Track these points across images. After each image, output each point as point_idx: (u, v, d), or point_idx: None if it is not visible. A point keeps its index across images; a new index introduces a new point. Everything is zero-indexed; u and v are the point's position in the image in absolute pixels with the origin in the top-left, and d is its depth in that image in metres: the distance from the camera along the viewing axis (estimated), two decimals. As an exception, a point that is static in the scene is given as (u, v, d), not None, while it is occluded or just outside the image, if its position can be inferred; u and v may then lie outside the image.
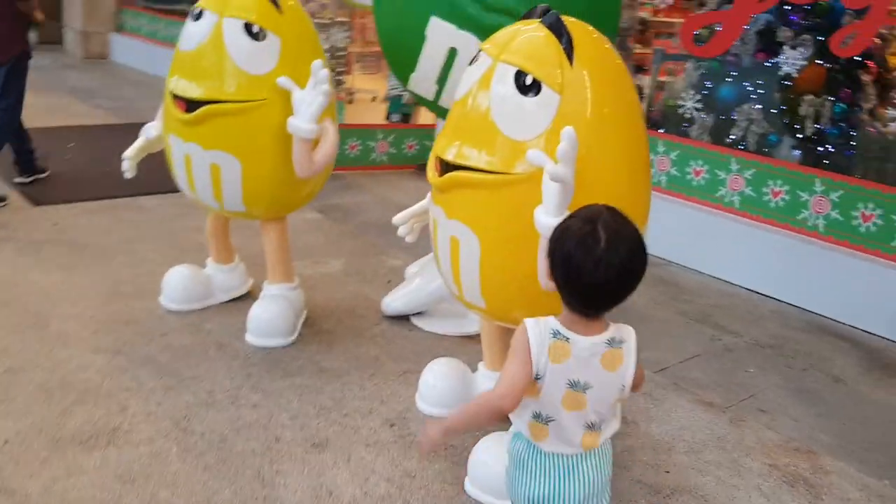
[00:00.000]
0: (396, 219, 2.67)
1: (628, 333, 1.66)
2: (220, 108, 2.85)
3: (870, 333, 3.85)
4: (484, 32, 2.92)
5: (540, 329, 1.62)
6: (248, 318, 3.17)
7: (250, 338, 3.16)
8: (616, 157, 2.14)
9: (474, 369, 2.84)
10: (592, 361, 1.62)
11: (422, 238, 2.76)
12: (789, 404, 3.13)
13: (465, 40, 2.99)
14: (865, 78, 4.91)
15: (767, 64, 4.78)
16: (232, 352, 3.08)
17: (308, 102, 2.81)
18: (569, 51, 2.11)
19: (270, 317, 3.15)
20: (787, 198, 4.23)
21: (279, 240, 3.25)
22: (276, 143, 2.93)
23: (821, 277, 4.04)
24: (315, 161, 2.91)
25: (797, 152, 4.82)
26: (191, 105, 2.88)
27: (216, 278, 3.49)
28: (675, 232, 4.49)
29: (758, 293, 4.25)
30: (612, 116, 2.15)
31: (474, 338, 3.38)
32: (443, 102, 3.19)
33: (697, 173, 4.65)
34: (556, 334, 1.61)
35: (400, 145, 6.39)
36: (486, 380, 2.75)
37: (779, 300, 4.19)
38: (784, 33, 4.81)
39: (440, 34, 3.02)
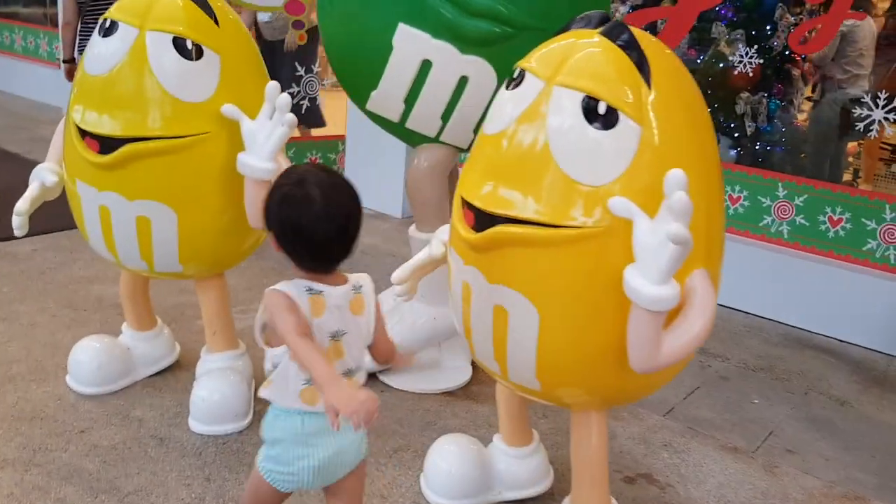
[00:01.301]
0: (396, 276, 2.16)
1: (364, 278, 1.73)
2: (147, 148, 2.22)
3: (847, 343, 3.69)
4: (464, 42, 2.49)
5: (295, 288, 1.61)
6: (193, 402, 2.56)
7: (197, 425, 2.55)
8: (696, 195, 1.73)
9: (486, 443, 2.38)
10: (344, 309, 1.66)
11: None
12: (810, 439, 2.87)
13: (441, 51, 2.50)
14: (795, 72, 4.84)
15: (698, 61, 4.59)
16: (177, 447, 2.46)
17: (265, 135, 2.24)
18: (645, 69, 1.68)
19: (221, 397, 2.55)
20: (746, 204, 4.01)
21: (220, 299, 2.65)
22: (221, 187, 2.34)
23: (789, 287, 3.85)
24: (272, 206, 2.34)
25: (733, 152, 4.66)
26: (106, 143, 2.24)
27: (137, 349, 2.82)
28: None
29: (726, 307, 4.01)
30: (692, 148, 1.74)
31: (455, 395, 2.93)
32: (412, 125, 2.69)
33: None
34: (310, 290, 1.61)
35: (301, 159, 5.74)
36: (504, 456, 2.30)
37: (748, 313, 3.97)
38: (717, 28, 4.65)
39: (410, 44, 2.52)
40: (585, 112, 1.65)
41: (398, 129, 2.75)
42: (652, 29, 4.22)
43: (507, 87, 1.82)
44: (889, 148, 4.78)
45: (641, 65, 1.68)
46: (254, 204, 2.30)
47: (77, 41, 4.59)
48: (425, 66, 2.53)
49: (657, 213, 1.57)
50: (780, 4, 4.30)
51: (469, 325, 1.92)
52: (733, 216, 4.04)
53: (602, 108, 1.64)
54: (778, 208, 3.93)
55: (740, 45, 4.42)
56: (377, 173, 5.17)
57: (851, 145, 4.77)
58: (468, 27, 2.45)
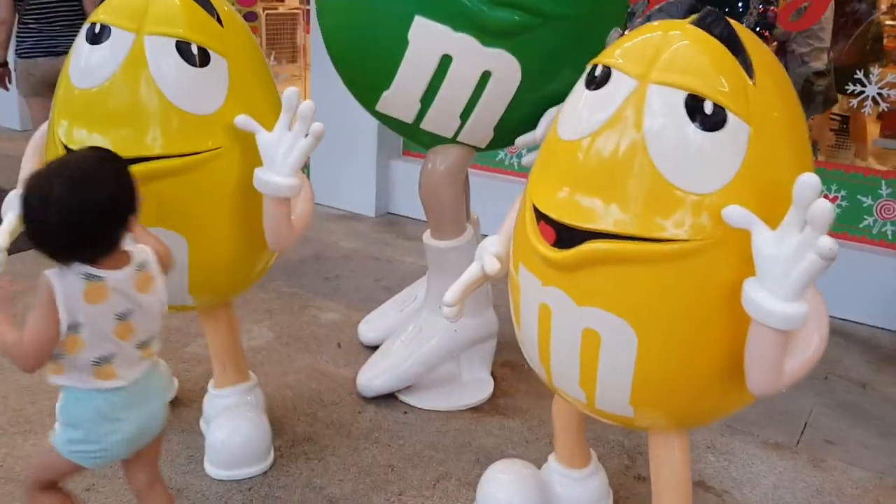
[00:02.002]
0: (448, 299, 1.95)
1: (145, 251, 1.71)
2: (151, 169, 1.94)
3: (851, 321, 3.66)
4: (487, 34, 2.30)
5: (66, 278, 1.58)
6: (210, 446, 2.31)
7: (217, 471, 2.30)
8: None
9: (530, 460, 2.22)
10: (130, 290, 1.65)
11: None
12: (845, 427, 2.81)
13: (462, 45, 2.29)
14: (764, 49, 4.80)
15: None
16: (199, 499, 2.22)
17: (286, 148, 2.00)
18: (747, 62, 1.52)
19: (242, 438, 2.30)
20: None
21: (230, 330, 2.39)
22: (235, 208, 2.10)
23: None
24: (295, 227, 2.11)
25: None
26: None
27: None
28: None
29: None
30: (794, 146, 1.60)
31: (483, 410, 2.76)
32: (427, 125, 2.48)
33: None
34: (88, 276, 1.59)
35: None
36: (564, 479, 2.14)
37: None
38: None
39: (429, 38, 2.30)
40: (689, 112, 1.48)
41: (411, 130, 2.54)
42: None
43: (587, 87, 1.64)
44: (839, 119, 4.82)
45: (744, 57, 1.52)
46: (274, 225, 2.07)
47: (13, 42, 4.16)
48: (445, 61, 2.32)
49: (769, 219, 1.43)
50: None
51: (548, 350, 1.74)
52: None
53: (708, 108, 1.47)
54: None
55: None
56: (349, 173, 4.92)
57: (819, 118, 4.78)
58: (493, 17, 2.25)
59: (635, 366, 1.60)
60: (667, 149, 1.49)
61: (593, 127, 1.58)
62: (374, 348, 2.94)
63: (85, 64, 1.98)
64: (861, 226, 3.77)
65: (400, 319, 3.03)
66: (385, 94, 2.43)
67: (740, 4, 4.43)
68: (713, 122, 1.47)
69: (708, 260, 1.50)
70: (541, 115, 2.47)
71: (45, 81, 3.92)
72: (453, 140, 2.53)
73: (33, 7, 4.01)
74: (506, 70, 2.34)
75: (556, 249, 1.59)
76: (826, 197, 3.64)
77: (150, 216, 2.01)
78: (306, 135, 1.99)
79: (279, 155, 2.01)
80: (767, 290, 1.41)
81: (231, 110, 2.03)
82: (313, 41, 5.01)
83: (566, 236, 1.57)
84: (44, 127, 2.28)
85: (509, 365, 3.00)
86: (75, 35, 2.09)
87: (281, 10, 8.13)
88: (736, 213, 1.44)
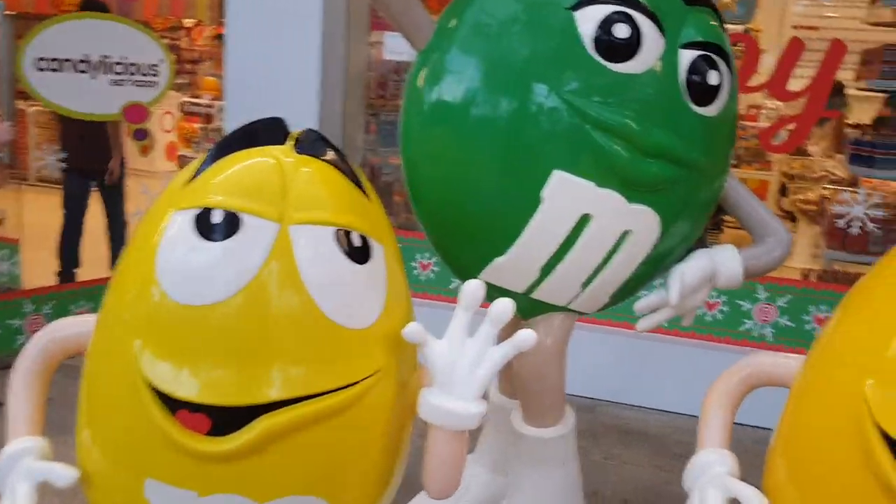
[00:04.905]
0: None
1: None
2: (303, 415, 1.32)
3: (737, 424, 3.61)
4: (634, 188, 1.92)
5: None
6: None
7: None
8: None
9: None
10: None
11: None
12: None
13: (606, 202, 1.89)
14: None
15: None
16: None
17: (469, 362, 1.47)
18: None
19: None
20: (725, 309, 3.82)
21: None
22: (386, 449, 1.52)
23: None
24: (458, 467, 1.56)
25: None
26: (223, 418, 1.31)
27: None
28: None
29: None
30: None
31: None
32: (541, 295, 2.03)
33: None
34: None
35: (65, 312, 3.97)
36: None
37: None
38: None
39: (568, 196, 1.87)
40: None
41: (515, 300, 2.06)
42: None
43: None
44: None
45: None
46: (444, 468, 1.51)
47: None
48: (582, 222, 1.90)
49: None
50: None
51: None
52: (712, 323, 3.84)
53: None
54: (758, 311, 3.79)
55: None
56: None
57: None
58: (643, 170, 1.88)
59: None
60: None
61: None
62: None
63: (198, 267, 1.33)
64: (741, 329, 3.82)
65: None
66: (498, 261, 1.95)
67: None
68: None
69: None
70: (651, 274, 2.14)
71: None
72: (564, 308, 2.10)
73: None
74: (647, 228, 1.97)
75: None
76: (707, 305, 3.75)
77: (284, 483, 1.41)
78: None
79: (461, 371, 1.47)
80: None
81: (391, 317, 1.47)
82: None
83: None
84: (46, 336, 1.57)
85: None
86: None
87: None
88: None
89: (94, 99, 3.74)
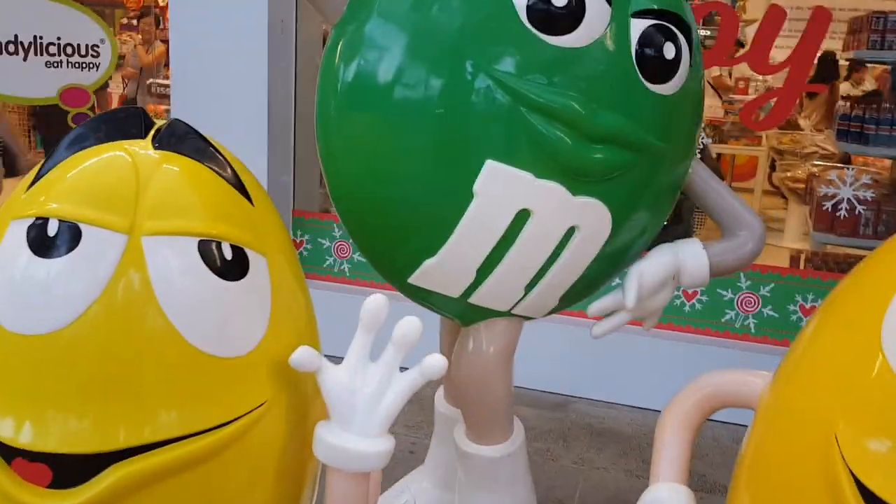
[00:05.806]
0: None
1: None
2: (171, 460, 1.11)
3: (714, 421, 3.41)
4: (579, 179, 1.69)
5: None
6: None
7: None
8: None
9: None
10: None
11: None
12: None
13: (546, 195, 1.66)
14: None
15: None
16: None
17: (372, 392, 1.25)
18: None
19: None
20: (705, 299, 3.60)
21: None
22: (278, 491, 1.30)
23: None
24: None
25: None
26: (66, 468, 1.09)
27: None
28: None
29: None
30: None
31: None
32: (478, 299, 1.80)
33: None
34: None
35: None
36: None
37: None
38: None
39: (503, 189, 1.64)
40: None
41: (452, 304, 1.85)
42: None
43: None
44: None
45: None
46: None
47: None
48: (520, 218, 1.67)
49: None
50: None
51: None
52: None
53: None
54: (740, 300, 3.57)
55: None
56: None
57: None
58: (590, 158, 1.65)
59: None
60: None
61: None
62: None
63: (28, 289, 1.10)
64: (723, 320, 3.56)
65: None
66: (429, 263, 1.72)
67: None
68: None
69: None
70: (607, 273, 1.92)
71: None
72: (507, 313, 1.87)
73: None
74: (595, 223, 1.74)
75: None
76: (686, 294, 3.55)
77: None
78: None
79: (362, 403, 1.25)
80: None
81: (275, 340, 1.24)
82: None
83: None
84: None
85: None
86: None
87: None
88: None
89: (27, 82, 3.50)
